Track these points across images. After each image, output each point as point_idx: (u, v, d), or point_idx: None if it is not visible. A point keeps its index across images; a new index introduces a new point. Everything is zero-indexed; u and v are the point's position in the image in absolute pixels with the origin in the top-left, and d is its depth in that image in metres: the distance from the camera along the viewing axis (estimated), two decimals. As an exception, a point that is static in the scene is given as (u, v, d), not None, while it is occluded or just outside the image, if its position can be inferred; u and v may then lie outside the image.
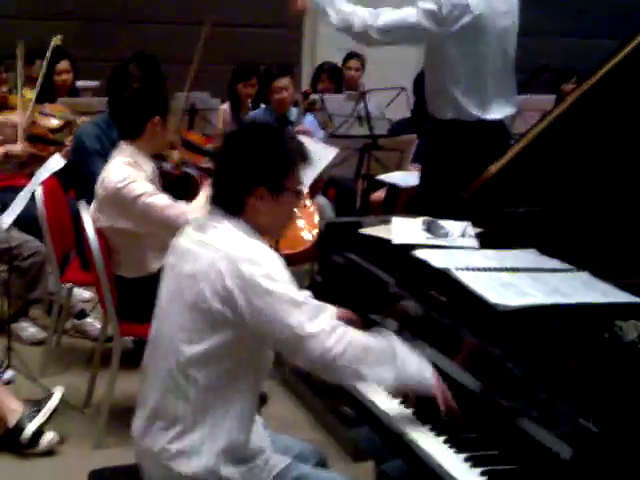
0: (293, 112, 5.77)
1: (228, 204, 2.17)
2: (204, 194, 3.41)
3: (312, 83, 7.09)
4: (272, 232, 2.29)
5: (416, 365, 2.09)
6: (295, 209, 2.29)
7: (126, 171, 3.44)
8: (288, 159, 2.18)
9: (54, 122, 5.32)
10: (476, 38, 3.76)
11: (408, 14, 3.74)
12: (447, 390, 2.08)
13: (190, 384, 2.10)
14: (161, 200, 3.42)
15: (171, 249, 2.27)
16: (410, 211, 3.21)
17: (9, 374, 3.97)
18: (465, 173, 3.05)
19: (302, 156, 2.22)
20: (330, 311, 2.12)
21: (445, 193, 3.16)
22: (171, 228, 3.38)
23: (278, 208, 2.19)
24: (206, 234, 2.15)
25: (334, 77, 6.90)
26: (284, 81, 5.66)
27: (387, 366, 2.06)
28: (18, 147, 4.65)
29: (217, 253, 2.07)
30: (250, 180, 2.14)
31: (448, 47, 3.78)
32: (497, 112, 3.89)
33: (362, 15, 3.77)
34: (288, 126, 5.69)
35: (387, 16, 3.77)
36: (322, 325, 2.03)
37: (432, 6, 3.69)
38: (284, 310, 2.02)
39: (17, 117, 4.88)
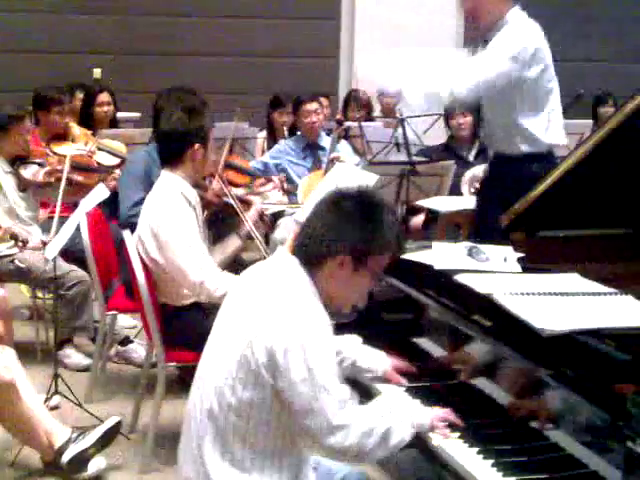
0: (324, 138, 5.83)
1: (309, 258, 2.14)
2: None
3: (343, 111, 7.19)
4: (335, 303, 2.21)
5: (405, 423, 2.13)
6: (367, 291, 2.25)
7: (173, 208, 3.43)
8: (385, 239, 2.16)
9: (111, 159, 5.39)
10: (546, 67, 3.74)
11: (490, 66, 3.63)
12: (440, 416, 2.18)
13: (230, 431, 2.08)
14: (187, 252, 3.36)
15: (238, 283, 2.26)
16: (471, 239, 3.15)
17: (56, 400, 4.02)
18: None
19: (399, 244, 2.21)
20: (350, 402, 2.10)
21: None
22: (182, 280, 3.39)
23: (352, 282, 2.17)
24: (275, 286, 2.12)
25: (363, 105, 6.99)
26: (313, 105, 5.75)
27: (391, 438, 2.10)
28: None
29: (277, 313, 2.06)
30: (340, 245, 2.12)
31: (525, 84, 3.70)
32: (561, 137, 3.87)
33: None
34: (319, 152, 5.77)
35: (470, 75, 3.63)
36: (345, 420, 2.04)
37: (514, 52, 3.62)
38: (316, 397, 2.02)
39: (68, 149, 4.98)
